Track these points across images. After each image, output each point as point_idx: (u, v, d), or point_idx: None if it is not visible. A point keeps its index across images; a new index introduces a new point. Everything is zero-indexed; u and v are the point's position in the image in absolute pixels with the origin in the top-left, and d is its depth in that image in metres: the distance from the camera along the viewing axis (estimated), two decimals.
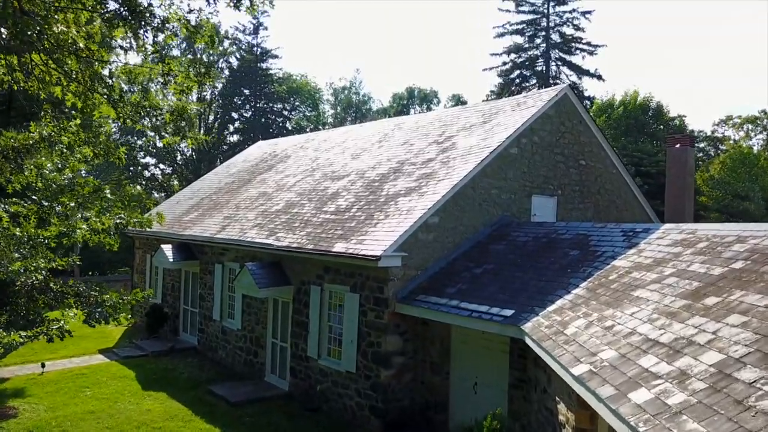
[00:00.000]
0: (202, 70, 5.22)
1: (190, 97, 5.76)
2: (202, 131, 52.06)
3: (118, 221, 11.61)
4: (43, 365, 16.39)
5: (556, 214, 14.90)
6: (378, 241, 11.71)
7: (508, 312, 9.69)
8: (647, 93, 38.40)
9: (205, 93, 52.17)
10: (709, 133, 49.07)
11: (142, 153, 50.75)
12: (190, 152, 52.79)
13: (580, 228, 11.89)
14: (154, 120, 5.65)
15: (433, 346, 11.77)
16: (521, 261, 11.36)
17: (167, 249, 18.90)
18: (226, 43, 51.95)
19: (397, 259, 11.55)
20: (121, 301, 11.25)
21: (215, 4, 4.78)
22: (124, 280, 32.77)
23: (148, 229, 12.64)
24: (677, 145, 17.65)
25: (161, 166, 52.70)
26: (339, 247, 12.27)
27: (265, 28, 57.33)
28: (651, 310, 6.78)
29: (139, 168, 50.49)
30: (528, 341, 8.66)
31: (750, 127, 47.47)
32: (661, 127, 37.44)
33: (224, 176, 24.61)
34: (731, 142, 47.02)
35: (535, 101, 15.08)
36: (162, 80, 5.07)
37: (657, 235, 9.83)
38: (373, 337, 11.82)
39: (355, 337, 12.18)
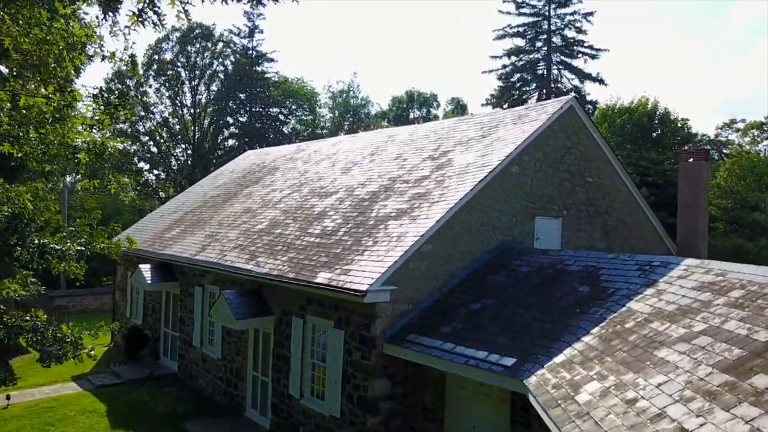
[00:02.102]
0: (114, 101, 4.11)
1: (108, 132, 4.63)
2: (196, 136, 50.81)
3: (78, 249, 10.43)
4: (8, 397, 15.23)
5: (561, 236, 13.70)
6: (364, 272, 10.53)
7: (509, 361, 8.51)
8: (655, 99, 36.79)
9: (200, 96, 50.93)
10: (712, 137, 47.81)
11: (136, 158, 49.64)
12: (185, 157, 51.59)
13: (590, 258, 10.70)
14: (68, 160, 4.51)
15: (426, 390, 10.59)
16: (523, 296, 10.18)
17: (146, 269, 17.72)
18: (220, 45, 50.76)
19: (386, 294, 10.36)
20: (80, 337, 10.15)
21: (114, 16, 3.70)
22: (111, 293, 31.58)
23: (115, 257, 11.48)
24: (690, 159, 16.48)
25: (155, 171, 51.49)
26: (322, 277, 11.10)
27: (261, 31, 56.07)
28: (683, 384, 5.61)
29: (133, 174, 49.25)
30: (532, 401, 7.49)
31: (756, 132, 46.21)
32: (668, 133, 36.11)
33: (210, 188, 23.43)
34: (736, 146, 45.76)
35: (538, 114, 13.90)
36: (59, 115, 3.97)
37: (678, 272, 8.66)
38: (359, 380, 10.63)
39: (339, 378, 11.00)
